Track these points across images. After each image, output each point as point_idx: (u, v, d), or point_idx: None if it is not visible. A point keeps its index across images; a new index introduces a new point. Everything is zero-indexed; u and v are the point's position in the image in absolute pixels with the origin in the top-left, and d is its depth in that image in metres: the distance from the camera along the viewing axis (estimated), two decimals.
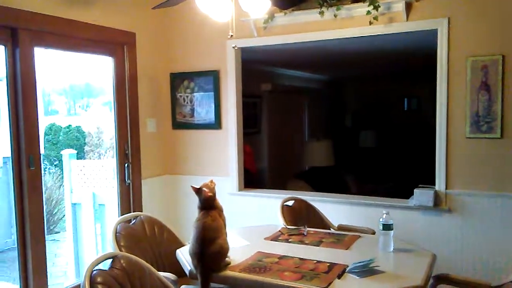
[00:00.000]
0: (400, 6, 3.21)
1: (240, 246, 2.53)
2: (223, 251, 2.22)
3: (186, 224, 3.97)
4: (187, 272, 2.29)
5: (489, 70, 3.04)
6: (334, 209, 3.54)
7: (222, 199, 2.43)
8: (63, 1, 3.20)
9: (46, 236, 3.14)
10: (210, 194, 2.26)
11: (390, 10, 3.27)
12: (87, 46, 3.49)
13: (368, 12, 3.21)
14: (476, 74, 3.08)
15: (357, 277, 2.09)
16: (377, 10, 3.19)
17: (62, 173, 5.37)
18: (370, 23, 3.25)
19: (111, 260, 2.11)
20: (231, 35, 2.47)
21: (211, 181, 2.33)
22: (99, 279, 1.96)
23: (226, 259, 2.25)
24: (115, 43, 3.67)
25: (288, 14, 3.53)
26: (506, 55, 3.00)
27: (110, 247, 2.62)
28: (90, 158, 6.22)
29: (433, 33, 3.20)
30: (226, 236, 2.28)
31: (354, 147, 7.97)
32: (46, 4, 3.08)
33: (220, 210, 2.31)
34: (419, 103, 7.96)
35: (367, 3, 3.20)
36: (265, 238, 2.71)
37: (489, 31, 3.04)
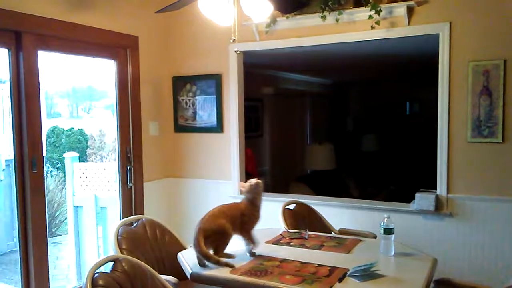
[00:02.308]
0: (401, 11, 3.22)
1: (241, 249, 2.53)
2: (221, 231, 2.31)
3: (188, 227, 3.95)
4: (188, 275, 2.29)
5: (490, 75, 3.05)
6: (336, 213, 3.54)
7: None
8: (67, 5, 3.22)
9: (48, 239, 3.15)
10: (241, 188, 2.52)
11: (392, 15, 3.28)
12: (90, 49, 3.51)
13: (370, 17, 3.22)
14: (477, 78, 3.08)
15: (358, 281, 2.09)
16: (378, 14, 3.21)
17: (64, 176, 5.39)
18: (372, 27, 3.26)
19: (112, 263, 2.12)
20: (234, 39, 2.48)
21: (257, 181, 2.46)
22: (100, 282, 1.97)
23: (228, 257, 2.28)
24: (117, 46, 3.69)
25: (290, 19, 3.54)
26: (508, 59, 3.00)
27: (112, 250, 2.63)
28: (92, 161, 6.23)
29: (435, 37, 3.21)
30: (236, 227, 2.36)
31: (355, 150, 7.97)
32: (50, 8, 3.10)
33: (252, 205, 2.43)
34: (421, 107, 7.96)
35: (369, 8, 3.21)
36: (266, 242, 2.72)
37: (491, 36, 3.04)
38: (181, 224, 4.08)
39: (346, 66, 5.78)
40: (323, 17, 3.38)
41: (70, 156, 5.36)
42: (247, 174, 4.24)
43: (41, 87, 3.08)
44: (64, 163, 5.45)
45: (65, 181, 5.40)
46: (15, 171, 2.99)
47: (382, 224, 2.46)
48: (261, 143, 6.27)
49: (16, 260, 3.08)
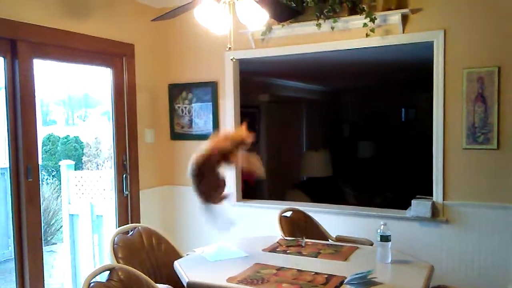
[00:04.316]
0: (396, 19, 3.24)
1: (238, 257, 2.52)
2: None
3: (184, 235, 3.97)
4: (184, 284, 2.28)
5: (485, 82, 3.07)
6: (332, 220, 3.54)
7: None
8: (62, 13, 3.23)
9: (43, 247, 3.13)
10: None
11: (387, 23, 3.30)
12: (86, 57, 3.51)
13: (365, 25, 3.24)
14: (472, 85, 3.10)
15: None
16: (373, 22, 3.23)
17: (60, 184, 5.37)
18: (367, 35, 3.28)
19: (108, 272, 2.11)
20: (229, 47, 2.50)
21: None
22: None
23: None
24: (113, 54, 3.69)
25: (285, 26, 3.56)
26: (502, 66, 3.02)
27: (108, 259, 2.62)
28: (88, 169, 6.22)
29: (430, 44, 3.23)
30: None
31: (352, 157, 7.98)
32: (45, 16, 3.10)
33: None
34: (417, 113, 8.00)
35: (364, 16, 3.23)
36: (263, 250, 2.71)
37: (485, 43, 3.07)
38: (177, 232, 4.06)
39: (342, 74, 5.81)
40: (319, 25, 3.39)
41: (65, 164, 5.35)
42: (244, 181, 4.24)
43: (36, 95, 3.08)
44: (59, 171, 5.43)
45: (60, 189, 5.38)
46: (10, 179, 2.97)
47: (378, 231, 2.47)
48: (258, 150, 6.27)
49: (11, 269, 3.05)
